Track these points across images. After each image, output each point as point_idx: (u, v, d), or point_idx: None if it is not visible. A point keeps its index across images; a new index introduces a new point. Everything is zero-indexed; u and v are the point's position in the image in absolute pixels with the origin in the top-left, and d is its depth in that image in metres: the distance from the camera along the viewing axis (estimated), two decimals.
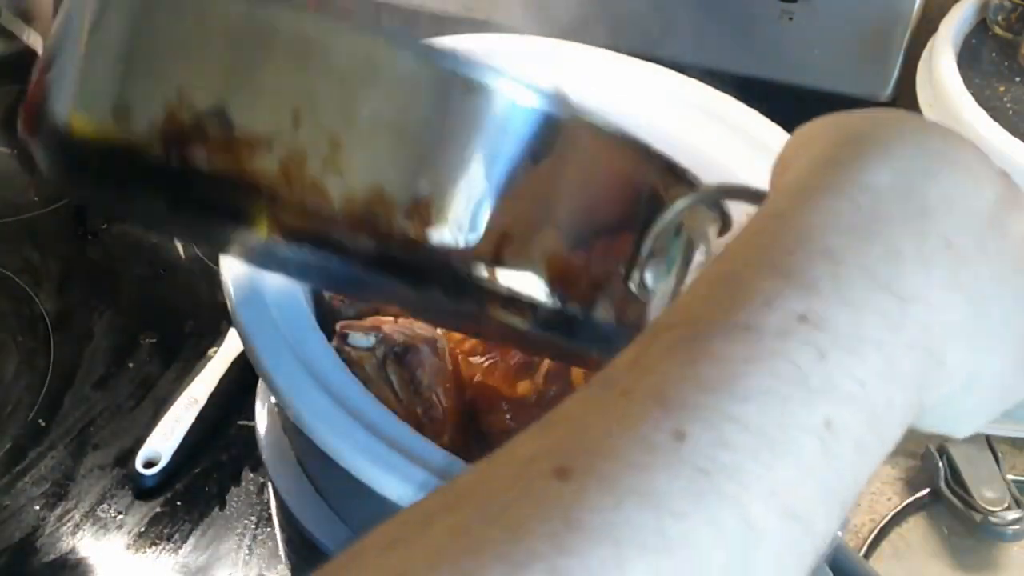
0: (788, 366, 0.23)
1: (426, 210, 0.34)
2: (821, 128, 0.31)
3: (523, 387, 0.63)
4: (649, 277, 0.40)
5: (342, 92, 0.34)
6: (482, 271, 0.36)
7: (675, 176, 0.40)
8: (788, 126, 0.61)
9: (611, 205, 0.38)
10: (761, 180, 0.54)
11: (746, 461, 0.22)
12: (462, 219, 0.35)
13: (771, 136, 0.67)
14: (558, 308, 0.37)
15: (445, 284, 0.36)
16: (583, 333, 0.39)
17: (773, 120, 0.68)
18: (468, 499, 0.22)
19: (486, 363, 0.64)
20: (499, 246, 0.35)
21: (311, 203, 0.34)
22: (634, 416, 0.23)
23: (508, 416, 0.62)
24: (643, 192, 0.39)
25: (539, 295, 0.37)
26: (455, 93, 0.34)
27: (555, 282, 0.37)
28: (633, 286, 0.39)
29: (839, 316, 0.24)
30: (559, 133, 0.36)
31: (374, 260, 0.35)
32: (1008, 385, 0.29)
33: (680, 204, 0.39)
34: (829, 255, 0.25)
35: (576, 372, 0.62)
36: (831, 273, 0.24)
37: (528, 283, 0.36)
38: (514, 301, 0.37)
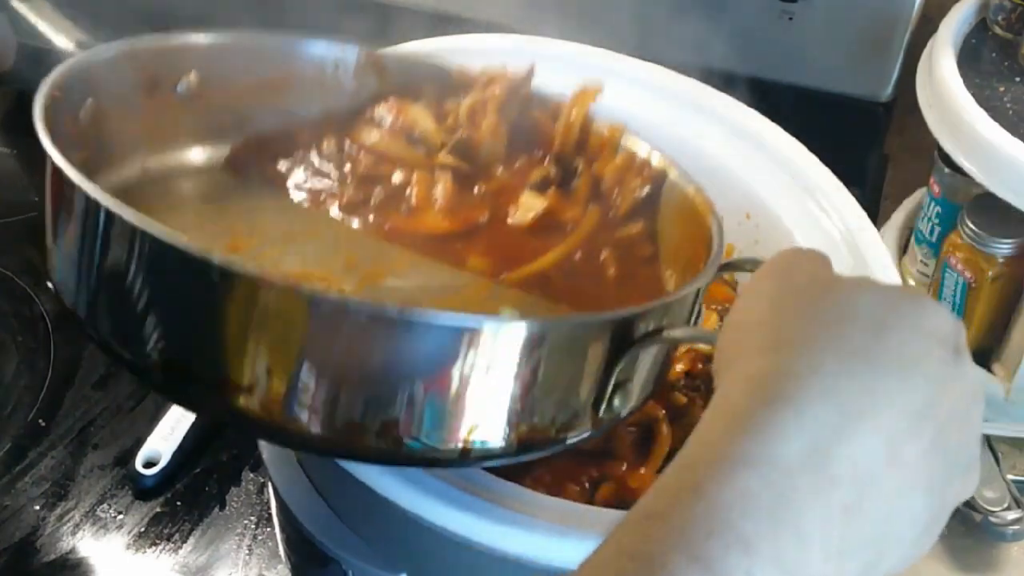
0: None
1: (395, 427, 0.41)
2: (753, 336, 0.33)
3: None
4: (617, 401, 0.45)
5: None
6: (454, 453, 0.43)
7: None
8: (788, 126, 0.61)
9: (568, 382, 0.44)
10: (756, 179, 0.54)
11: None
12: (428, 430, 0.42)
13: (771, 135, 0.67)
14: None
15: (418, 463, 0.45)
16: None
17: (773, 119, 0.68)
18: None
19: None
20: (467, 440, 0.43)
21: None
22: None
23: None
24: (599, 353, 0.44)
25: (509, 453, 0.44)
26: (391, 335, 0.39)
27: (522, 445, 0.44)
28: (603, 414, 0.45)
29: None
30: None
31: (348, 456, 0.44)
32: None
33: (634, 353, 0.44)
34: (744, 545, 0.27)
35: None
36: (745, 567, 0.27)
37: (498, 448, 0.44)
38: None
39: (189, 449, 0.81)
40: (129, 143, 0.55)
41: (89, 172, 0.45)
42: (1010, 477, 0.78)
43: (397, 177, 0.59)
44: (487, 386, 0.41)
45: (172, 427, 0.81)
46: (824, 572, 0.28)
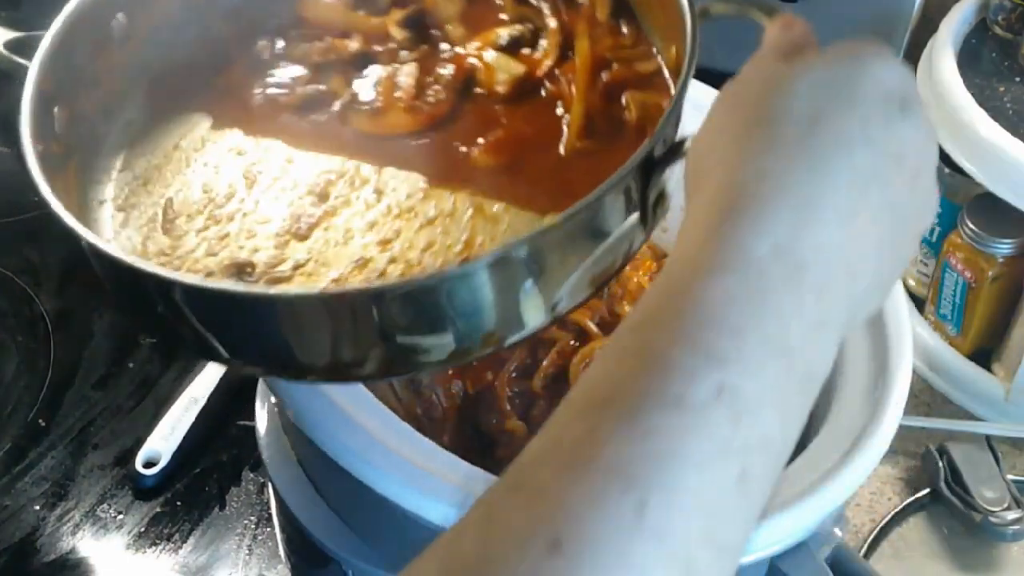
0: (715, 433, 0.29)
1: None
2: (713, 160, 0.36)
3: (522, 389, 0.63)
4: (659, 211, 0.47)
5: None
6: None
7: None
8: None
9: None
10: None
11: (691, 521, 0.28)
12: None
13: None
14: None
15: None
16: None
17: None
18: (482, 574, 0.28)
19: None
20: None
21: None
22: (601, 492, 0.28)
23: (508, 416, 0.62)
24: None
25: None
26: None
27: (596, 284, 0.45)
28: (649, 224, 0.46)
29: (747, 385, 0.30)
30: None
31: None
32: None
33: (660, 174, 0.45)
34: (733, 332, 0.31)
35: (574, 372, 0.62)
36: (736, 348, 0.30)
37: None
38: None
39: (189, 449, 0.81)
40: (109, 117, 0.55)
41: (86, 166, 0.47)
42: (1010, 477, 0.78)
43: (357, 66, 0.57)
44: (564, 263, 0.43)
45: (172, 427, 0.81)
46: (805, 342, 0.32)
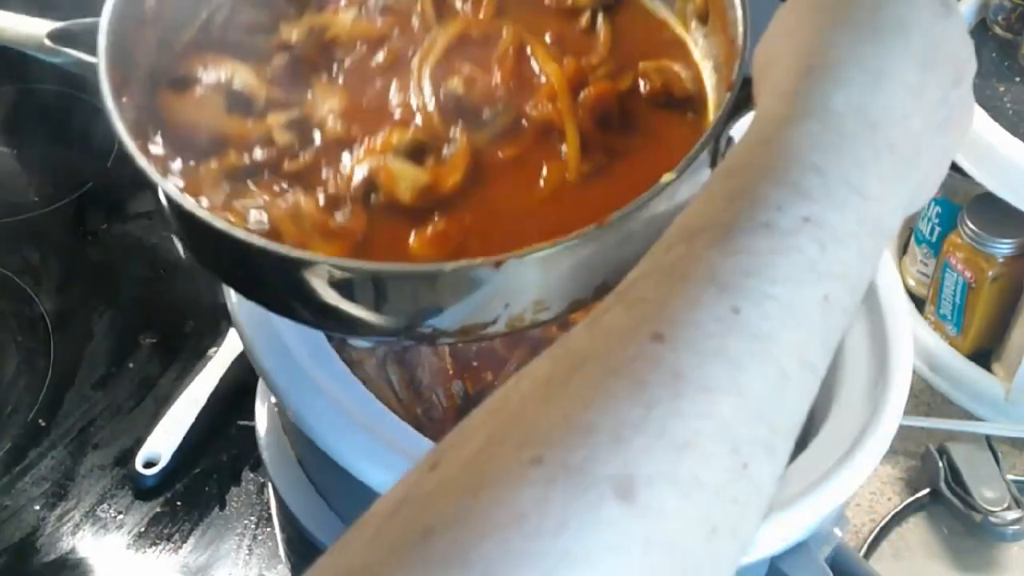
0: (801, 257, 0.32)
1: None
2: (784, 45, 0.39)
3: None
4: None
5: None
6: None
7: None
8: None
9: None
10: None
11: (781, 329, 0.31)
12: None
13: None
14: None
15: None
16: None
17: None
18: (592, 360, 0.30)
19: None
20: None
21: None
22: (698, 297, 0.30)
23: None
24: None
25: None
26: None
27: None
28: None
29: (830, 217, 0.33)
30: None
31: None
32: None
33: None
34: (816, 170, 0.33)
35: None
36: (821, 184, 0.33)
37: None
38: None
39: (189, 449, 0.81)
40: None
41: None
42: (1010, 477, 0.78)
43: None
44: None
45: (172, 427, 0.81)
46: (881, 194, 0.34)
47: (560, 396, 0.29)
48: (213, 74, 0.52)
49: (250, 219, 0.47)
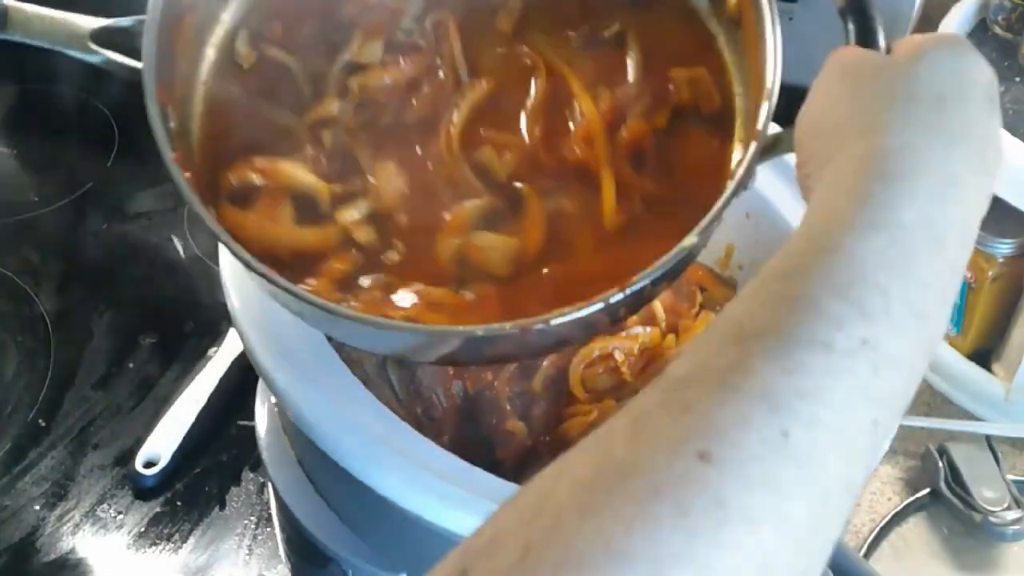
0: (855, 380, 0.31)
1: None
2: (839, 128, 0.39)
3: (522, 389, 0.63)
4: None
5: None
6: None
7: None
8: (788, 126, 0.61)
9: None
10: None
11: (829, 456, 0.30)
12: None
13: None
14: None
15: None
16: None
17: (773, 120, 0.67)
18: (635, 474, 0.29)
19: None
20: None
21: None
22: (748, 414, 0.30)
23: (507, 416, 0.62)
24: None
25: None
26: None
27: None
28: None
29: (888, 341, 0.32)
30: None
31: None
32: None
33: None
34: (880, 290, 0.33)
35: (573, 373, 0.62)
36: (883, 305, 0.33)
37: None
38: None
39: (189, 449, 0.81)
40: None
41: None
42: (1010, 477, 0.78)
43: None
44: None
45: (172, 427, 0.81)
46: (937, 312, 0.35)
47: (600, 513, 0.28)
48: (271, 181, 0.51)
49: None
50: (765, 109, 0.48)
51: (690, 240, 0.45)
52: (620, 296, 0.44)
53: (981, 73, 0.40)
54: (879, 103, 0.38)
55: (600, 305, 0.44)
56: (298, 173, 0.51)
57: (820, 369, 0.31)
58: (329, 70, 0.54)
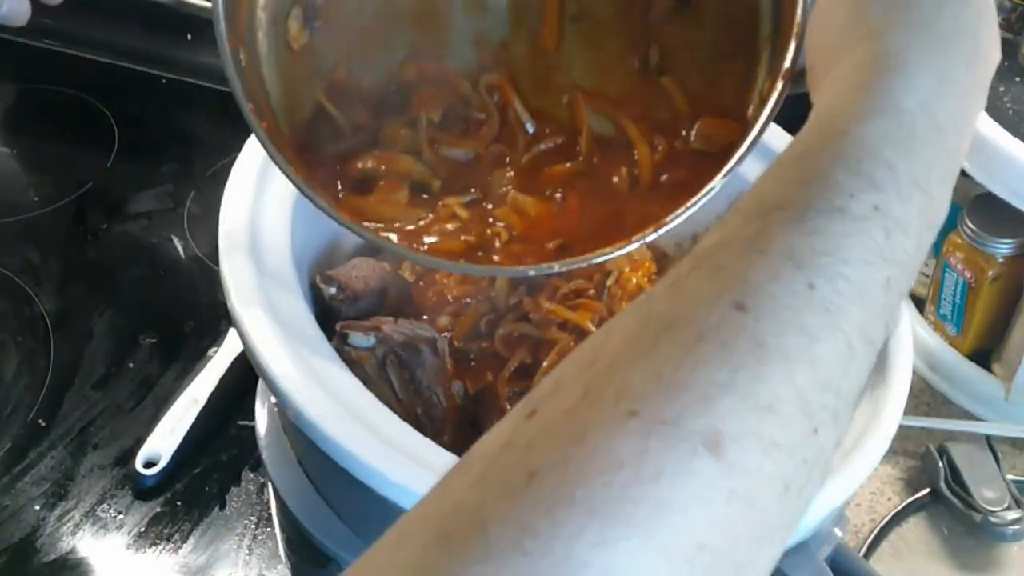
0: (870, 241, 0.34)
1: None
2: (843, 38, 0.42)
3: (522, 389, 0.63)
4: None
5: None
6: None
7: None
8: (788, 125, 0.61)
9: None
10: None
11: (850, 306, 0.33)
12: None
13: (771, 136, 0.67)
14: None
15: None
16: None
17: (773, 121, 0.67)
18: (679, 323, 0.32)
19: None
20: None
21: None
22: (776, 271, 0.33)
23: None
24: None
25: None
26: None
27: None
28: None
29: (897, 208, 0.35)
30: None
31: None
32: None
33: None
34: (888, 164, 0.36)
35: None
36: (891, 178, 0.36)
37: None
38: None
39: (189, 449, 0.81)
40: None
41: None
42: (1010, 477, 0.78)
43: None
44: None
45: (172, 427, 0.81)
46: (939, 193, 0.37)
47: (651, 355, 0.31)
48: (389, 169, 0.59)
49: None
50: (792, 48, 0.51)
51: (718, 183, 0.50)
52: (654, 234, 0.50)
53: None
54: (879, 7, 0.41)
55: (637, 244, 0.50)
56: (413, 164, 0.59)
57: (838, 231, 0.34)
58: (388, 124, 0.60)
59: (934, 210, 0.37)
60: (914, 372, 0.58)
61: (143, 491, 0.79)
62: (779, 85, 0.51)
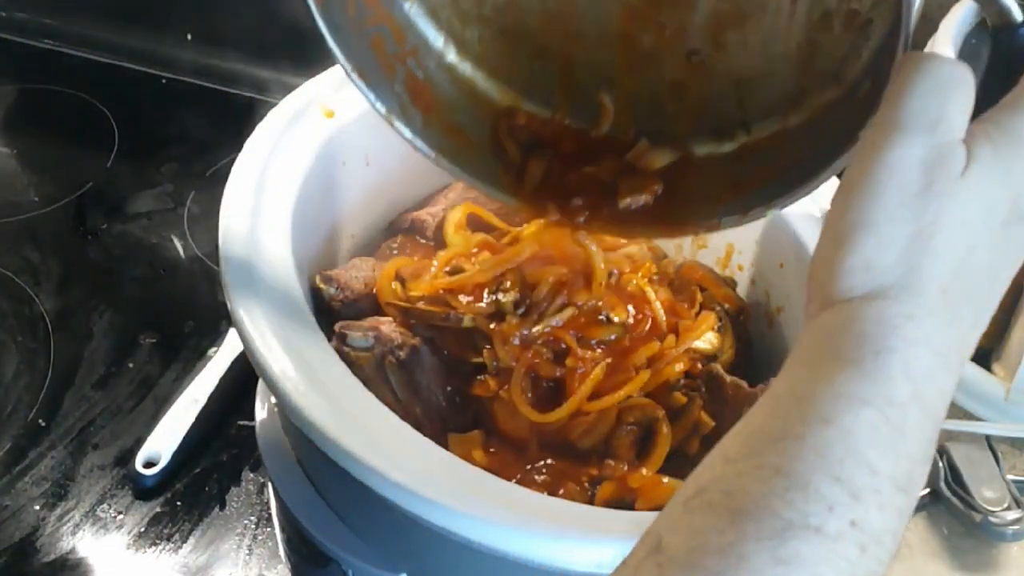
0: (843, 562, 0.33)
1: None
2: (849, 279, 0.38)
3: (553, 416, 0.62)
4: None
5: None
6: None
7: None
8: None
9: None
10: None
11: None
12: None
13: None
14: None
15: None
16: None
17: None
18: None
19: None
20: None
21: None
22: None
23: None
24: None
25: None
26: None
27: None
28: None
29: (875, 519, 0.33)
30: None
31: None
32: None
33: None
34: (870, 469, 0.34)
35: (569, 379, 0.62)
36: (872, 485, 0.34)
37: None
38: None
39: (189, 449, 0.81)
40: None
41: None
42: (1010, 477, 0.78)
43: None
44: None
45: (172, 427, 0.81)
46: (922, 475, 0.36)
47: None
48: None
49: None
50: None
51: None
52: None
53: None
54: (896, 244, 0.38)
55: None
56: None
57: (811, 556, 0.32)
58: None
59: (914, 498, 0.36)
60: None
61: (143, 491, 0.79)
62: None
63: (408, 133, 0.57)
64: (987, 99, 0.40)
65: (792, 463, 0.34)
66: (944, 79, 0.37)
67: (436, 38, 0.59)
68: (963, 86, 0.37)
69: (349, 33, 0.54)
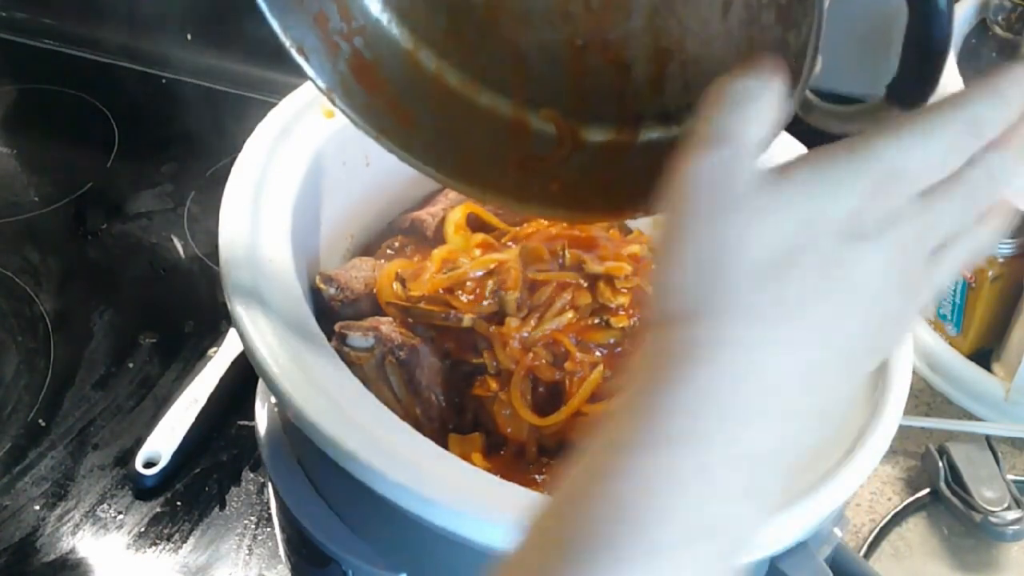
0: None
1: None
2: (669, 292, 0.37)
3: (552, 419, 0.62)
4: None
5: None
6: None
7: None
8: (787, 126, 0.61)
9: None
10: None
11: None
12: None
13: None
14: None
15: None
16: None
17: None
18: None
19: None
20: None
21: None
22: None
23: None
24: None
25: None
26: None
27: None
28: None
29: None
30: None
31: None
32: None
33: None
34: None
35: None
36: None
37: None
38: None
39: (189, 449, 0.81)
40: None
41: None
42: (1010, 477, 0.78)
43: None
44: None
45: (172, 427, 0.81)
46: (743, 513, 0.35)
47: None
48: None
49: None
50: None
51: None
52: None
53: None
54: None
55: None
56: None
57: None
58: None
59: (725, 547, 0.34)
60: (914, 372, 0.58)
61: (143, 491, 0.79)
62: None
63: (350, 111, 0.56)
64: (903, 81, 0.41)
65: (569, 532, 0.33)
66: (736, 94, 0.37)
67: (382, 14, 0.58)
68: (755, 100, 0.37)
69: (291, 7, 0.53)
